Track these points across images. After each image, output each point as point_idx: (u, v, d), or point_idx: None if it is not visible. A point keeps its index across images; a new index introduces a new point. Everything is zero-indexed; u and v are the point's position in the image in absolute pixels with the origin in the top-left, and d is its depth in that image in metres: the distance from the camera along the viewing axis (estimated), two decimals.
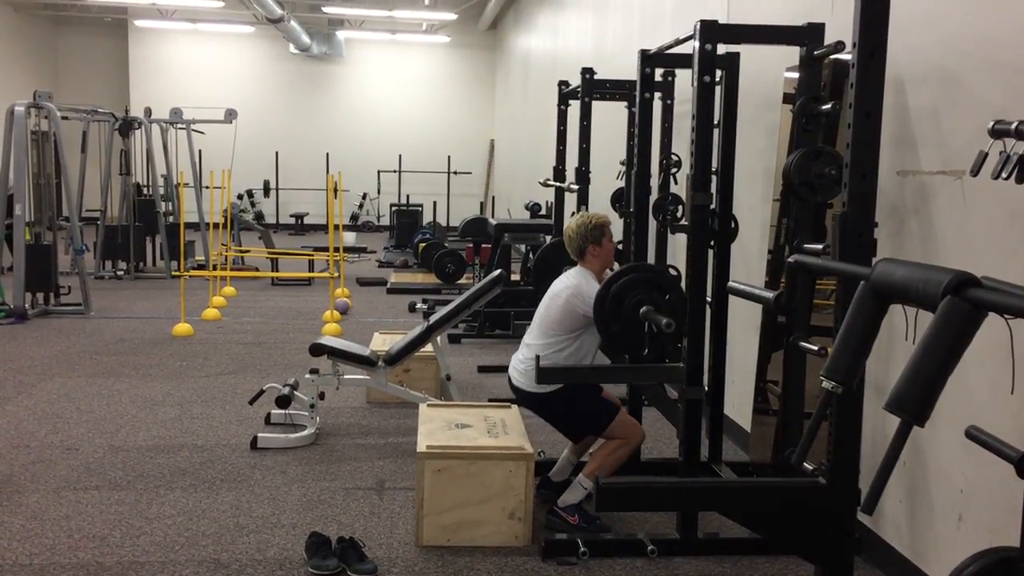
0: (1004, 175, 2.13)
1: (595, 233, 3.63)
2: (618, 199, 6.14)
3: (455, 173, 17.69)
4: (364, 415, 5.16)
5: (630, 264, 3.50)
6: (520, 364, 3.68)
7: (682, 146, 5.44)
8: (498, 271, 5.24)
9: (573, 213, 6.22)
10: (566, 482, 3.69)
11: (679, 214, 5.15)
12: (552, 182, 6.89)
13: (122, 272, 10.60)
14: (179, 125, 11.63)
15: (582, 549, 3.28)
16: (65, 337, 7.17)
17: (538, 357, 3.37)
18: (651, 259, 4.86)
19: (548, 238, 7.43)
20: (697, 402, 3.37)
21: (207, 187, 10.39)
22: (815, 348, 3.05)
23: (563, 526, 3.50)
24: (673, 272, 5.36)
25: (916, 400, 1.73)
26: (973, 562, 1.80)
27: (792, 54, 3.37)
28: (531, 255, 7.87)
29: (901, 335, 2.21)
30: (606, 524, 3.55)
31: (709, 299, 3.58)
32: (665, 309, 3.29)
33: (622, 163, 5.89)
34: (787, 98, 3.74)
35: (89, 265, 9.51)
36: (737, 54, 3.68)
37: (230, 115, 11.56)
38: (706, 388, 3.54)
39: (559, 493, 3.62)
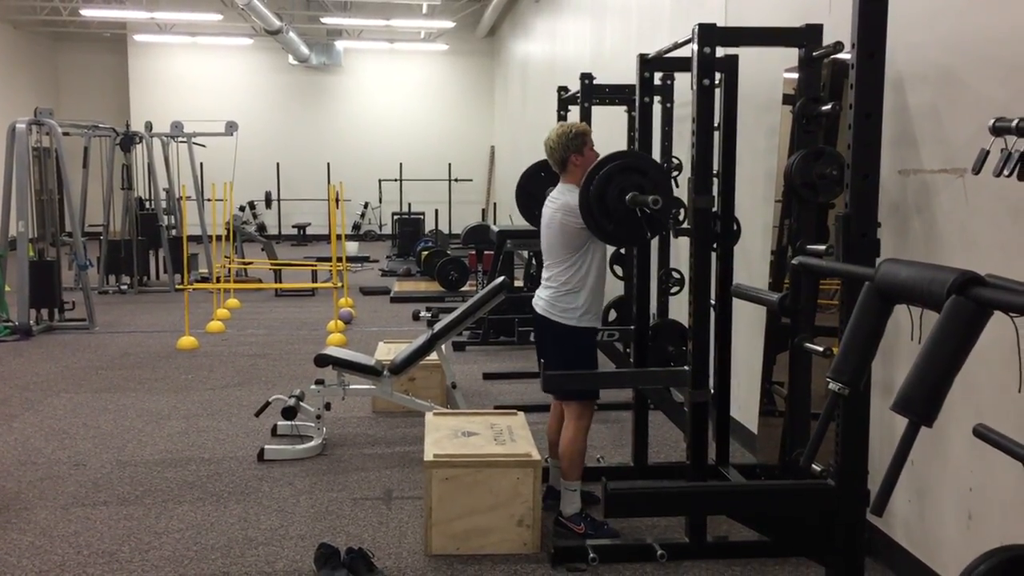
0: (1006, 173, 2.13)
1: (576, 142, 3.53)
2: None
3: (456, 180, 17.71)
4: (370, 425, 5.16)
5: (596, 160, 3.43)
6: (543, 292, 3.66)
7: (683, 149, 5.44)
8: (501, 278, 5.23)
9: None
10: None
11: (681, 217, 5.15)
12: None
13: (126, 286, 10.63)
14: (180, 138, 11.68)
15: (592, 555, 3.28)
16: (70, 353, 7.18)
17: (545, 365, 3.37)
18: (654, 263, 4.86)
19: None
20: (703, 405, 3.36)
21: (209, 200, 10.40)
22: (820, 349, 3.05)
23: (571, 537, 3.49)
24: (676, 275, 5.37)
25: (923, 400, 1.73)
26: (983, 561, 1.79)
27: (791, 55, 3.37)
28: (534, 261, 7.86)
29: (906, 335, 2.21)
30: (614, 529, 3.55)
31: (713, 302, 3.58)
32: (648, 187, 3.25)
33: None
34: (787, 99, 3.75)
35: (93, 280, 9.52)
36: (736, 56, 3.69)
37: (230, 127, 11.61)
38: (712, 391, 3.54)
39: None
